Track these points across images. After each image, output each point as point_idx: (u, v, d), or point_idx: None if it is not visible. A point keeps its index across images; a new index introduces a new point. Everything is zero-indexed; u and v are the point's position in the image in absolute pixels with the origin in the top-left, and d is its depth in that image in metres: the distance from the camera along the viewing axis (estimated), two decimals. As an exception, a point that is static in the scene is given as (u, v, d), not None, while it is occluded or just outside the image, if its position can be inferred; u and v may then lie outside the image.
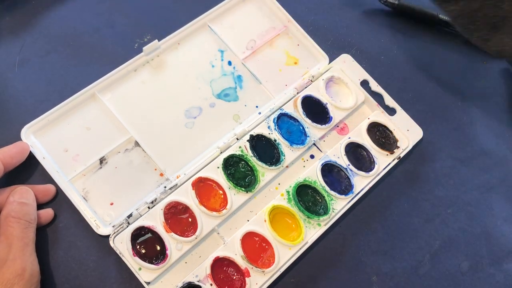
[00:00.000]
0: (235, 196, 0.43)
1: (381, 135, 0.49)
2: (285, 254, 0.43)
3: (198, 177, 0.43)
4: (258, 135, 0.46)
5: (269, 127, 0.46)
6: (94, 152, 0.43)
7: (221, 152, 0.45)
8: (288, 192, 0.45)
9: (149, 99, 0.46)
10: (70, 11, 0.49)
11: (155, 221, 0.41)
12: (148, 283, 0.40)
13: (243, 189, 0.44)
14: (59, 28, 0.48)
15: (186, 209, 0.42)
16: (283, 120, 0.47)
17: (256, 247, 0.43)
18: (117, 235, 0.40)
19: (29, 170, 0.43)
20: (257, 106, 0.48)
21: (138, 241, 0.41)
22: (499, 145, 0.52)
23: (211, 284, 0.40)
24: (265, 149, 0.46)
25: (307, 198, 0.45)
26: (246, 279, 0.41)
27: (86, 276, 0.41)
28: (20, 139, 0.42)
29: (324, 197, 0.45)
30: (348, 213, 0.46)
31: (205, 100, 0.47)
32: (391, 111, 0.50)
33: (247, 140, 0.45)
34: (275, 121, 0.46)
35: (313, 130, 0.47)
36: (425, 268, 0.46)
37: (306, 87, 0.49)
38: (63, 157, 0.43)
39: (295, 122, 0.47)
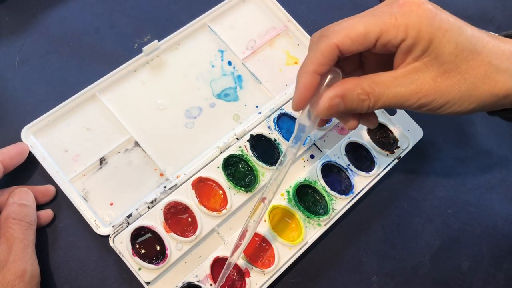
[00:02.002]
0: (235, 196, 0.43)
1: (381, 135, 0.49)
2: (285, 254, 0.43)
3: (198, 177, 0.43)
4: (258, 135, 0.46)
5: (269, 127, 0.46)
6: (94, 152, 0.43)
7: (221, 152, 0.45)
8: (288, 192, 0.45)
9: (149, 99, 0.46)
10: (70, 11, 0.49)
11: (155, 221, 0.41)
12: (148, 283, 0.40)
13: (243, 189, 0.44)
14: (59, 28, 0.48)
15: (186, 209, 0.42)
16: (283, 120, 0.47)
17: (256, 247, 0.43)
18: (117, 235, 0.40)
19: (29, 170, 0.43)
20: (257, 106, 0.48)
21: (138, 241, 0.41)
22: (499, 145, 0.52)
23: (211, 284, 0.40)
24: (265, 149, 0.46)
25: (307, 198, 0.45)
26: (246, 279, 0.41)
27: (86, 276, 0.41)
28: (20, 139, 0.42)
29: (324, 197, 0.45)
30: (348, 213, 0.46)
31: (205, 100, 0.47)
32: (391, 111, 0.50)
33: (247, 140, 0.45)
34: (275, 121, 0.46)
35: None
36: (425, 268, 0.46)
37: (306, 87, 0.49)
38: (63, 157, 0.43)
39: (295, 122, 0.47)
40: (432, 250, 0.47)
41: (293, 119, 0.47)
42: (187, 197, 0.43)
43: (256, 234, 0.43)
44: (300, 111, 0.34)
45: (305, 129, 0.34)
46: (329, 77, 0.33)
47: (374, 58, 0.36)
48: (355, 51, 0.32)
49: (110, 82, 0.45)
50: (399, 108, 0.33)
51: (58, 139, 0.43)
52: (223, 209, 0.43)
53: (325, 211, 0.45)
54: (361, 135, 0.48)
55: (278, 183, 0.36)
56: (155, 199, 0.42)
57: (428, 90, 0.31)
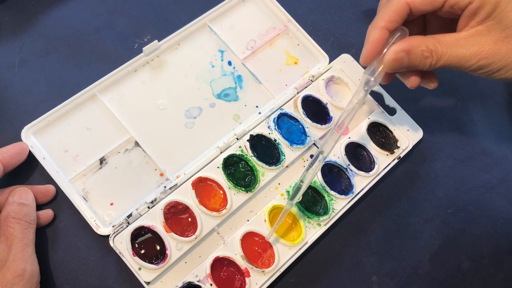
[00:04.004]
0: (235, 196, 0.43)
1: (381, 135, 0.49)
2: (285, 254, 0.43)
3: (198, 177, 0.43)
4: (258, 135, 0.46)
5: (269, 127, 0.46)
6: (94, 152, 0.43)
7: (221, 152, 0.45)
8: (288, 192, 0.45)
9: (149, 100, 0.46)
10: (70, 11, 0.49)
11: (155, 221, 0.41)
12: (148, 283, 0.40)
13: (243, 189, 0.44)
14: (59, 28, 0.48)
15: (186, 209, 0.42)
16: (283, 120, 0.47)
17: (256, 247, 0.43)
18: (117, 235, 0.40)
19: (29, 170, 0.43)
20: (257, 106, 0.48)
21: (138, 241, 0.41)
22: (499, 145, 0.52)
23: (211, 284, 0.40)
24: (265, 149, 0.46)
25: (307, 198, 0.45)
26: (246, 279, 0.41)
27: (86, 276, 0.41)
28: (20, 139, 0.42)
29: (324, 197, 0.45)
30: (348, 213, 0.46)
31: (205, 100, 0.47)
32: (391, 111, 0.50)
33: (247, 140, 0.45)
34: (275, 121, 0.46)
35: (313, 130, 0.47)
36: (425, 268, 0.46)
37: (306, 87, 0.49)
38: (63, 157, 0.43)
39: (295, 122, 0.47)
40: (432, 250, 0.47)
41: (293, 119, 0.47)
42: (187, 197, 0.43)
43: (256, 234, 0.43)
44: (367, 66, 0.37)
45: (369, 82, 0.37)
46: (397, 34, 0.35)
47: (438, 23, 0.38)
48: (423, 11, 0.34)
49: (110, 82, 0.45)
50: (458, 69, 0.35)
51: (58, 139, 0.43)
52: (223, 209, 0.43)
53: (325, 211, 0.45)
54: (361, 135, 0.48)
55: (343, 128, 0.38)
56: (155, 199, 0.42)
57: (488, 53, 0.33)
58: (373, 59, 0.36)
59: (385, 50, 0.36)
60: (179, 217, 0.42)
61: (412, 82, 0.38)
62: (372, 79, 0.37)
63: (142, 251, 0.40)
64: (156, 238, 0.41)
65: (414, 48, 0.34)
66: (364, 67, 0.38)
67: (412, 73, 0.38)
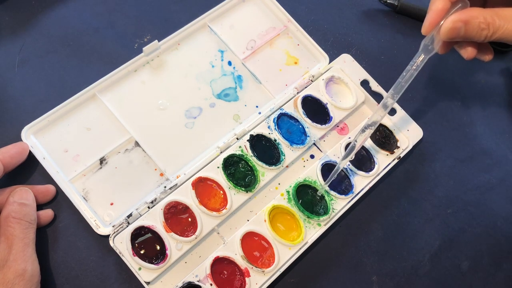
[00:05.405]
0: (235, 196, 0.43)
1: (381, 135, 0.49)
2: (285, 254, 0.43)
3: (198, 177, 0.43)
4: (258, 135, 0.46)
5: (269, 127, 0.46)
6: (94, 152, 0.43)
7: (221, 152, 0.45)
8: (288, 192, 0.45)
9: (149, 100, 0.46)
10: (70, 11, 0.49)
11: (155, 221, 0.41)
12: (148, 283, 0.40)
13: (243, 189, 0.44)
14: (59, 28, 0.48)
15: (186, 209, 0.42)
16: (283, 120, 0.47)
17: (256, 247, 0.43)
18: (117, 235, 0.40)
19: (29, 170, 0.43)
20: (257, 106, 0.48)
21: (138, 241, 0.41)
22: (499, 145, 0.52)
23: (211, 284, 0.40)
24: (265, 149, 0.46)
25: (307, 198, 0.45)
26: (246, 279, 0.41)
27: (86, 276, 0.41)
28: (20, 139, 0.42)
29: (324, 197, 0.45)
30: (348, 213, 0.46)
31: (205, 100, 0.47)
32: (391, 111, 0.50)
33: (247, 140, 0.45)
34: (275, 121, 0.46)
35: (313, 130, 0.47)
36: (425, 268, 0.46)
37: (306, 87, 0.49)
38: (63, 157, 0.43)
39: (295, 122, 0.47)
40: (432, 250, 0.47)
41: (293, 119, 0.47)
42: (187, 197, 0.43)
43: (256, 234, 0.43)
44: (427, 35, 0.38)
45: (428, 50, 0.38)
46: (458, 5, 0.36)
47: None
48: None
49: (110, 82, 0.45)
50: None
51: (58, 139, 0.43)
52: (223, 209, 0.43)
53: (325, 211, 0.45)
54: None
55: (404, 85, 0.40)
56: (155, 199, 0.42)
57: None
58: (433, 28, 0.37)
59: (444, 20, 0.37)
60: (179, 217, 0.42)
61: (468, 53, 0.39)
62: (430, 47, 0.38)
63: (142, 251, 0.40)
64: (156, 238, 0.41)
65: (472, 19, 0.35)
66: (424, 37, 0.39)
67: (469, 44, 0.39)
